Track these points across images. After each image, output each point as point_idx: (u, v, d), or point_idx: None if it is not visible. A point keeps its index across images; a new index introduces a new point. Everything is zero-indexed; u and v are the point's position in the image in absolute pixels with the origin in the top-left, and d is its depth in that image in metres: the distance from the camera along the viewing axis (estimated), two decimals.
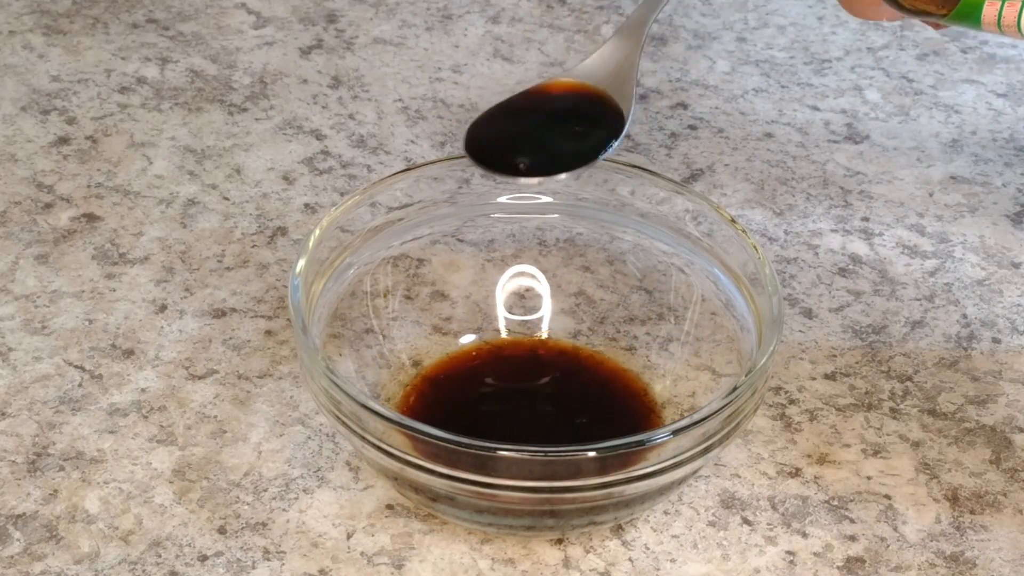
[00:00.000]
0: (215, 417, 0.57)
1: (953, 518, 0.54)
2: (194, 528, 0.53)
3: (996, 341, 0.62)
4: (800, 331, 0.62)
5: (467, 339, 0.60)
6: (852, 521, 0.54)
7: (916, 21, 0.59)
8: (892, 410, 0.59)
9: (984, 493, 0.55)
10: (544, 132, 0.57)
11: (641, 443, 0.48)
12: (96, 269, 0.65)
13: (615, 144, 0.55)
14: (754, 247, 0.55)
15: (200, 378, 0.59)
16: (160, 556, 0.52)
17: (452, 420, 0.55)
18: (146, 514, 0.53)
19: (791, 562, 0.52)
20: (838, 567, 0.52)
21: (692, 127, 0.76)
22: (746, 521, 0.54)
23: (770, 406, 0.59)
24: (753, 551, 0.53)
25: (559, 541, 0.53)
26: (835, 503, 0.55)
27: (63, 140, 0.73)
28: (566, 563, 0.52)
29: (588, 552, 0.52)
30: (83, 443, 0.56)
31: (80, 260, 0.65)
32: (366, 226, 0.58)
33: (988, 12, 0.52)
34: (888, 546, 0.53)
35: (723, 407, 0.49)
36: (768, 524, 0.54)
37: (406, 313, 0.60)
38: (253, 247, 0.66)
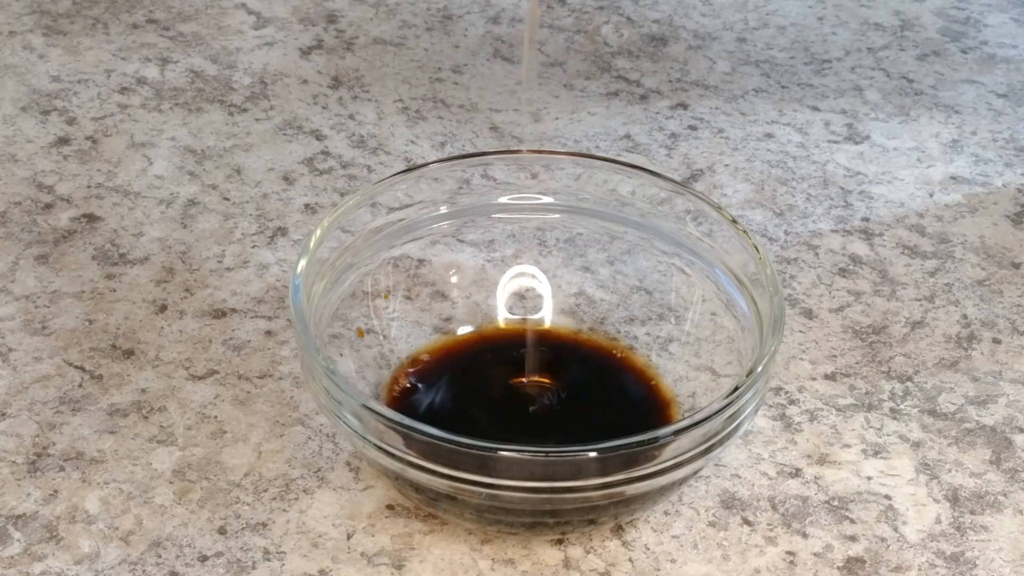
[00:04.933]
0: (215, 417, 0.57)
1: (953, 518, 0.54)
2: (194, 528, 0.53)
3: (996, 341, 0.62)
4: (800, 331, 0.62)
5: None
6: (852, 521, 0.54)
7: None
8: (892, 410, 0.59)
9: (984, 493, 0.55)
10: None
11: (641, 443, 0.48)
12: (96, 269, 0.65)
13: None
14: (755, 247, 0.55)
15: (200, 378, 0.59)
16: (160, 556, 0.52)
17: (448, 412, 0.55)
18: (146, 514, 0.53)
19: (791, 562, 0.52)
20: (838, 567, 0.52)
21: (692, 127, 0.76)
22: (746, 521, 0.54)
23: (770, 406, 0.59)
24: (753, 551, 0.53)
25: (559, 541, 0.53)
26: (835, 503, 0.55)
27: (63, 140, 0.73)
28: (566, 563, 0.52)
29: (588, 552, 0.52)
30: (83, 443, 0.56)
31: (80, 260, 0.65)
32: (366, 226, 0.58)
33: None
34: (888, 546, 0.53)
35: (724, 407, 0.49)
36: (768, 524, 0.54)
37: (406, 313, 0.60)
38: (253, 247, 0.66)
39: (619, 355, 0.59)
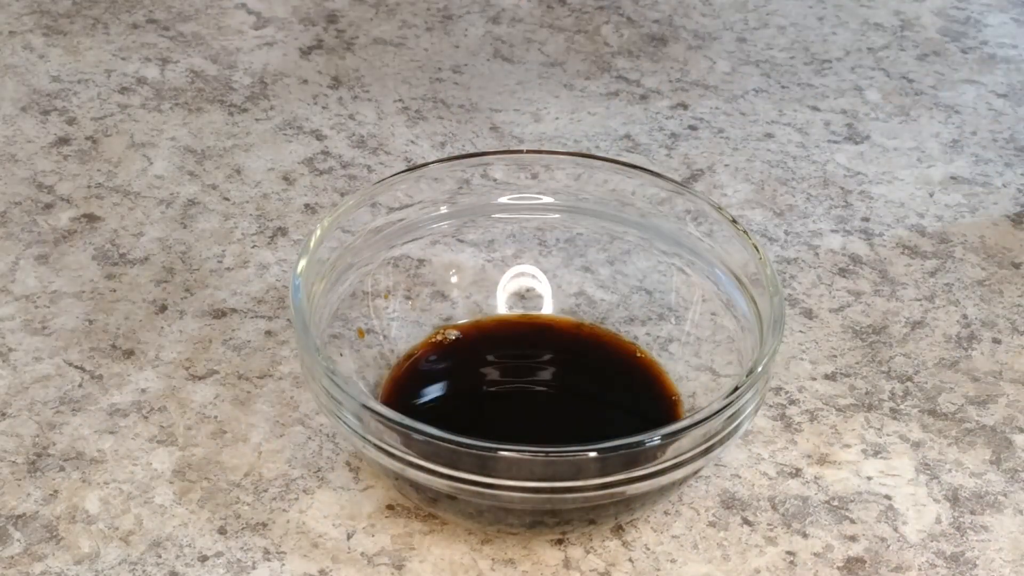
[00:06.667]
0: (215, 417, 0.57)
1: (953, 518, 0.54)
2: (194, 528, 0.53)
3: (996, 341, 0.62)
4: (800, 331, 0.62)
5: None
6: (852, 521, 0.54)
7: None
8: (892, 410, 0.59)
9: (984, 493, 0.55)
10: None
11: (642, 443, 0.48)
12: (96, 269, 0.65)
13: None
14: (755, 247, 0.55)
15: (200, 378, 0.59)
16: (160, 556, 0.52)
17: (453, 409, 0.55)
18: (146, 514, 0.53)
19: (791, 562, 0.52)
20: (838, 567, 0.52)
21: (692, 127, 0.76)
22: (746, 521, 0.54)
23: (770, 406, 0.59)
24: (753, 551, 0.53)
25: (559, 541, 0.53)
26: (835, 503, 0.55)
27: (63, 140, 0.73)
28: (566, 563, 0.52)
29: (588, 552, 0.52)
30: (83, 443, 0.56)
31: (80, 260, 0.65)
32: (367, 226, 0.58)
33: None
34: (888, 546, 0.53)
35: (724, 407, 0.49)
36: (768, 524, 0.54)
37: (406, 313, 0.60)
38: (253, 247, 0.66)
39: (639, 354, 0.59)
